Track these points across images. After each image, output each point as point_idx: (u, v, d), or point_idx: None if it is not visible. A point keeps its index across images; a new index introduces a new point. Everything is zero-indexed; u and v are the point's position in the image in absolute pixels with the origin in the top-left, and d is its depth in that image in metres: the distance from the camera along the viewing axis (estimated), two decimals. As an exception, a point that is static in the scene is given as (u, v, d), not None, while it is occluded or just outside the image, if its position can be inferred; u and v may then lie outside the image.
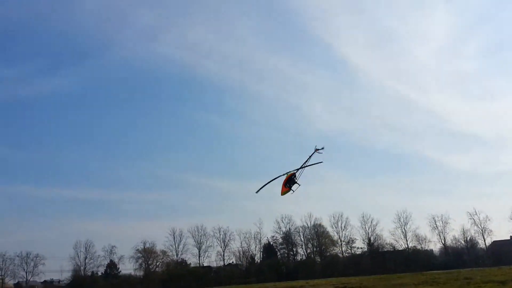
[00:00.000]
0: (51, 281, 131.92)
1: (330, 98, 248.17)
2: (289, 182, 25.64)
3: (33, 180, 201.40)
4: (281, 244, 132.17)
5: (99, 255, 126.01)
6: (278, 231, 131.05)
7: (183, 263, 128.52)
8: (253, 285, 75.75)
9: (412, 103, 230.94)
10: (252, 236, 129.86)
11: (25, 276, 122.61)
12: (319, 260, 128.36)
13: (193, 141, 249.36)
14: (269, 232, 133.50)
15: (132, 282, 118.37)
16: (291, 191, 25.70)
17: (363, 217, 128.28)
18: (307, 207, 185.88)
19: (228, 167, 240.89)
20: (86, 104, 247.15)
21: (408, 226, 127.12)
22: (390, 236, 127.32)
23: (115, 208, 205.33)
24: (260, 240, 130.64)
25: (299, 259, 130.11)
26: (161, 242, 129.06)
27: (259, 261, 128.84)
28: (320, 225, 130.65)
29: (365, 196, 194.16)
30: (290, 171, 25.47)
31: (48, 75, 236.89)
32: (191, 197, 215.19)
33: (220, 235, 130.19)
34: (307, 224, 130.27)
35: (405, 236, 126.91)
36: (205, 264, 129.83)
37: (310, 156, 25.19)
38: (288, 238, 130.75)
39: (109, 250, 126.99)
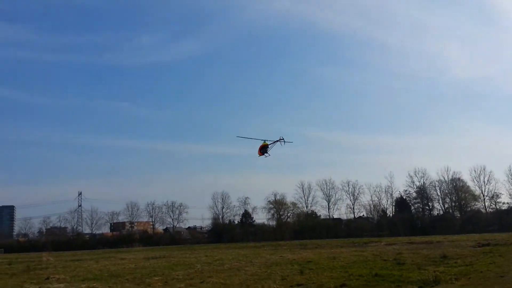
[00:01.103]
0: (194, 228, 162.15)
1: (469, 41, 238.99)
2: (263, 149, 31.75)
3: (171, 137, 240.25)
4: (414, 198, 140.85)
5: (234, 205, 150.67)
6: (411, 185, 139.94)
7: (313, 215, 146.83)
8: (387, 238, 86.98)
9: None
10: (383, 189, 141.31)
11: (171, 223, 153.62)
12: (458, 215, 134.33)
13: (318, 97, 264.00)
14: (401, 186, 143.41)
15: (266, 230, 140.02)
16: (265, 155, 31.90)
17: (510, 170, 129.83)
18: (443, 160, 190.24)
19: (355, 121, 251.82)
20: (216, 65, 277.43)
21: None
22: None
23: (247, 162, 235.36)
24: (391, 194, 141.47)
25: (436, 214, 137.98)
26: (290, 194, 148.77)
27: (391, 215, 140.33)
28: (459, 179, 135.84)
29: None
30: (266, 141, 31.75)
31: (180, 40, 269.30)
32: (319, 152, 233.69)
33: (349, 188, 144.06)
34: (443, 178, 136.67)
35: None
36: (335, 216, 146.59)
37: (275, 141, 31.31)
38: (422, 192, 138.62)
39: (243, 201, 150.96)
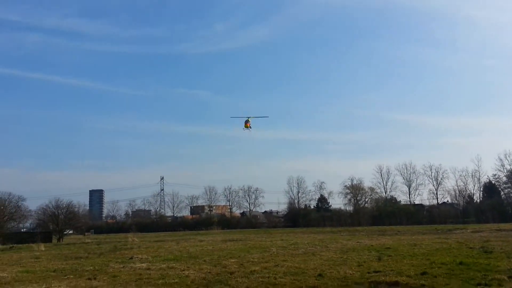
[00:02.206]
0: (270, 212, 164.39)
1: None
2: (246, 125, 39.70)
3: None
4: (505, 183, 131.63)
5: (310, 190, 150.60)
6: (501, 169, 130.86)
7: (392, 200, 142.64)
8: (473, 225, 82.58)
9: None
10: (469, 174, 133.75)
11: (248, 207, 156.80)
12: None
13: (393, 78, 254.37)
14: (490, 170, 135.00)
15: (342, 215, 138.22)
16: (249, 129, 39.92)
17: None
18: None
19: (436, 102, 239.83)
20: (282, 50, 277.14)
21: None
22: None
23: (321, 147, 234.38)
24: (479, 179, 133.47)
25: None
26: (368, 179, 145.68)
27: (478, 200, 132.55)
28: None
29: None
30: (249, 117, 39.91)
31: (247, 28, 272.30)
32: (395, 135, 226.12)
33: (431, 173, 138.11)
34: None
35: None
36: (416, 202, 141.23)
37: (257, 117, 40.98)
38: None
39: (318, 186, 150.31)
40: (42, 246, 52.33)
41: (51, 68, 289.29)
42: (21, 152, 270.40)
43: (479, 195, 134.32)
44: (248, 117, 40.14)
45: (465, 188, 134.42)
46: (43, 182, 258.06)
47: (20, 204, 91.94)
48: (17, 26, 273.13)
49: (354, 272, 20.01)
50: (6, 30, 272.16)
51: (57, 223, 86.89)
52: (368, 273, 19.55)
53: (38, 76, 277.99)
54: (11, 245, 60.57)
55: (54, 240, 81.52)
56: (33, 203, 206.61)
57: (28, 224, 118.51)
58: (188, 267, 24.51)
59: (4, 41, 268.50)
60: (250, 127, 40.20)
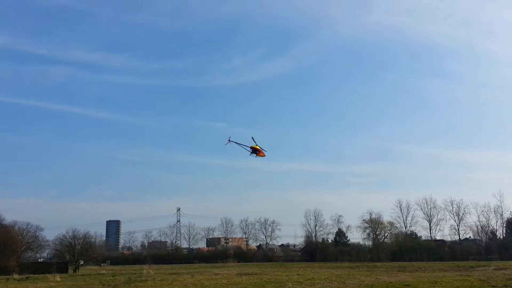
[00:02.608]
0: (287, 245, 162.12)
1: None
2: (254, 151, 41.96)
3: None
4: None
5: (327, 223, 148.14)
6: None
7: (412, 235, 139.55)
8: (496, 262, 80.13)
9: None
10: (492, 209, 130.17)
11: (264, 239, 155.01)
12: None
13: (417, 113, 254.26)
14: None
15: (361, 250, 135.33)
16: (253, 155, 42.24)
17: None
18: None
19: (457, 136, 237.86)
20: (309, 83, 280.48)
21: None
22: None
23: (340, 180, 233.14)
24: (501, 214, 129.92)
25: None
26: (387, 213, 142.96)
27: (501, 237, 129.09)
28: None
29: None
30: (254, 145, 42.02)
31: (271, 59, 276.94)
32: (417, 169, 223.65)
33: (452, 207, 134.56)
34: None
35: None
36: (437, 238, 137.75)
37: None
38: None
39: (336, 219, 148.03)
40: (57, 277, 52.36)
41: (75, 100, 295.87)
42: (42, 183, 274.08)
43: (502, 231, 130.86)
44: (254, 145, 42.21)
45: (488, 224, 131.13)
46: (61, 212, 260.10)
47: (38, 234, 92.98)
48: (44, 59, 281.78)
49: (371, 310, 19.51)
50: (34, 64, 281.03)
51: (73, 254, 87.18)
52: (386, 311, 19.05)
53: (64, 108, 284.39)
54: (27, 275, 60.74)
55: (70, 271, 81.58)
56: (51, 233, 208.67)
57: (45, 254, 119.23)
58: (202, 301, 24.23)
59: (31, 74, 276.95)
60: (256, 155, 42.36)
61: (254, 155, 42.30)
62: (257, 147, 42.38)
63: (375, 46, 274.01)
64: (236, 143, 42.01)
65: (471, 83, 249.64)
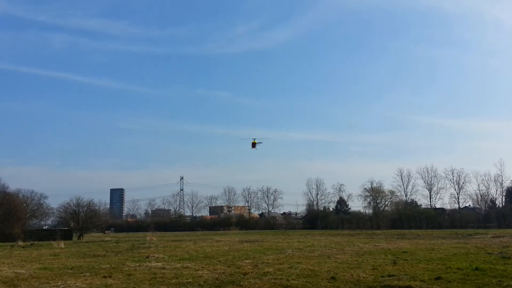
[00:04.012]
0: (289, 213, 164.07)
1: None
2: (253, 145, 49.71)
3: (267, 124, 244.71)
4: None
5: (329, 192, 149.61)
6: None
7: (413, 204, 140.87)
8: (494, 230, 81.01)
9: None
10: (492, 178, 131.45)
11: (266, 208, 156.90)
12: None
13: (423, 81, 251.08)
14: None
15: (361, 218, 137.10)
16: (256, 148, 50.51)
17: None
18: None
19: (459, 105, 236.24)
20: (310, 51, 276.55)
21: None
22: None
23: (343, 149, 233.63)
24: (501, 183, 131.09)
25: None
26: (388, 182, 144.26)
27: (500, 205, 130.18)
28: None
29: None
30: (254, 139, 50.81)
31: (275, 27, 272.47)
32: (418, 138, 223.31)
33: (453, 176, 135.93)
34: None
35: None
36: (437, 206, 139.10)
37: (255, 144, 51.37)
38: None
39: (338, 188, 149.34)
40: (62, 244, 53.25)
41: (76, 68, 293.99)
42: (45, 151, 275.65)
43: (502, 199, 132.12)
44: (254, 139, 50.74)
45: (487, 192, 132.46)
46: (65, 181, 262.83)
47: (42, 201, 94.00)
48: (44, 26, 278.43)
49: (367, 275, 19.86)
50: (34, 31, 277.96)
51: (77, 221, 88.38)
52: (382, 277, 19.39)
53: (64, 76, 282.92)
54: (32, 242, 61.80)
55: (75, 238, 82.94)
56: (55, 201, 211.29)
57: (50, 222, 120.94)
58: (203, 267, 24.68)
59: (32, 41, 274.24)
60: (256, 148, 50.75)
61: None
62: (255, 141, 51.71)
63: (384, 12, 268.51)
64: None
65: (478, 50, 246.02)
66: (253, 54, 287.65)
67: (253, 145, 49.11)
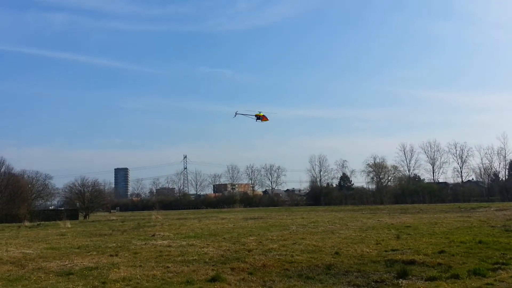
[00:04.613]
0: (292, 190, 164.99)
1: None
2: (258, 118, 48.08)
3: (270, 101, 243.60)
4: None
5: (332, 168, 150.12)
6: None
7: (416, 178, 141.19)
8: (497, 204, 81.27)
9: None
10: (495, 152, 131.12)
11: (270, 185, 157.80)
12: None
13: (422, 55, 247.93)
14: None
15: (364, 194, 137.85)
16: (259, 121, 48.29)
17: None
18: None
19: (461, 78, 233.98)
20: (309, 28, 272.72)
21: None
22: None
23: (346, 125, 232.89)
24: (505, 157, 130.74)
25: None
26: (391, 157, 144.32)
27: (504, 179, 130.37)
28: None
29: None
30: (259, 112, 48.44)
31: (276, 2, 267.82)
32: (421, 113, 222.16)
33: (456, 150, 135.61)
34: None
35: None
36: (440, 181, 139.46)
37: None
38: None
39: (341, 164, 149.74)
40: (68, 223, 53.85)
41: (77, 47, 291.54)
42: (48, 132, 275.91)
43: (505, 173, 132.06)
44: (260, 112, 48.64)
45: (491, 166, 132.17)
46: (70, 161, 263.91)
47: (47, 182, 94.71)
48: (43, 6, 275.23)
49: (371, 250, 20.03)
50: (34, 11, 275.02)
51: (83, 201, 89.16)
52: (385, 251, 19.55)
53: (66, 56, 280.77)
54: (38, 222, 62.51)
55: (81, 217, 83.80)
56: (60, 181, 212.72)
57: (56, 202, 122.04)
58: (208, 244, 24.93)
59: (31, 22, 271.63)
60: (259, 120, 48.51)
61: (260, 120, 48.62)
62: (261, 114, 48.85)
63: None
64: (242, 114, 48.43)
65: (482, 23, 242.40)
66: (254, 30, 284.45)
67: (258, 117, 48.29)
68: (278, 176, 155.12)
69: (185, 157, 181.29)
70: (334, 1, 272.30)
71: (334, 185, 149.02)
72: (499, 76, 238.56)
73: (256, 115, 48.52)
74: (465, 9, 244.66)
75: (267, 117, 49.17)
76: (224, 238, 28.75)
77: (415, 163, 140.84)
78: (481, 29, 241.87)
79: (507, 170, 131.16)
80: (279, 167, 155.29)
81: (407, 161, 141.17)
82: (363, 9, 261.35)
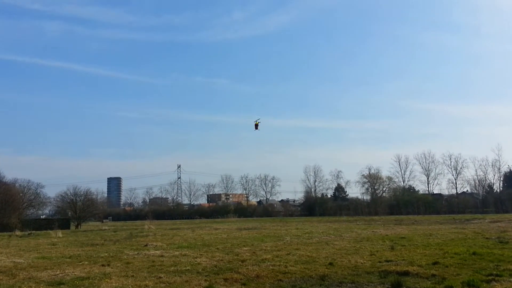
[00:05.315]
0: (287, 200, 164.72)
1: None
2: (256, 127, 48.78)
3: (266, 112, 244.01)
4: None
5: (326, 179, 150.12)
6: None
7: (410, 190, 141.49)
8: (492, 215, 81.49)
9: None
10: (490, 163, 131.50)
11: (264, 195, 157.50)
12: None
13: (414, 64, 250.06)
14: (511, 160, 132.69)
15: (359, 205, 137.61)
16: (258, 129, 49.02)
17: None
18: None
19: (456, 90, 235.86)
20: (301, 37, 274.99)
21: None
22: None
23: (340, 136, 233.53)
24: (499, 168, 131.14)
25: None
26: (386, 168, 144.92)
27: (498, 190, 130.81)
28: None
29: None
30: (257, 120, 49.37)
31: (266, 15, 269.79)
32: (415, 125, 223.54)
33: (450, 162, 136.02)
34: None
35: None
36: (435, 192, 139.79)
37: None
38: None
39: (336, 175, 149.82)
40: (59, 233, 53.40)
41: (72, 56, 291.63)
42: (41, 140, 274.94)
43: (499, 184, 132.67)
44: (256, 120, 49.65)
45: (485, 177, 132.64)
46: (62, 170, 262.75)
47: (39, 191, 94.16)
48: (37, 14, 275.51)
49: (365, 261, 20.03)
50: (27, 19, 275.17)
51: (75, 210, 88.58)
52: (380, 262, 19.56)
53: (60, 64, 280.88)
54: (30, 232, 62.00)
55: (72, 227, 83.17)
56: (52, 190, 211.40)
57: (47, 211, 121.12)
58: (201, 254, 24.83)
59: (25, 30, 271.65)
60: (258, 129, 49.31)
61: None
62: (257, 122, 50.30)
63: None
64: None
65: (471, 33, 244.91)
66: (250, 40, 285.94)
67: (256, 126, 49.11)
68: (272, 186, 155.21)
69: (179, 166, 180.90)
70: (333, 12, 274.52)
71: (329, 196, 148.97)
72: (493, 88, 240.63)
73: (255, 124, 49.98)
74: (457, 20, 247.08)
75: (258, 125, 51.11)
76: (217, 248, 28.65)
77: (410, 174, 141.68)
78: (476, 41, 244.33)
79: (501, 182, 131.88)
80: (273, 177, 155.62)
81: (402, 172, 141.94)
82: (366, 20, 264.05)
